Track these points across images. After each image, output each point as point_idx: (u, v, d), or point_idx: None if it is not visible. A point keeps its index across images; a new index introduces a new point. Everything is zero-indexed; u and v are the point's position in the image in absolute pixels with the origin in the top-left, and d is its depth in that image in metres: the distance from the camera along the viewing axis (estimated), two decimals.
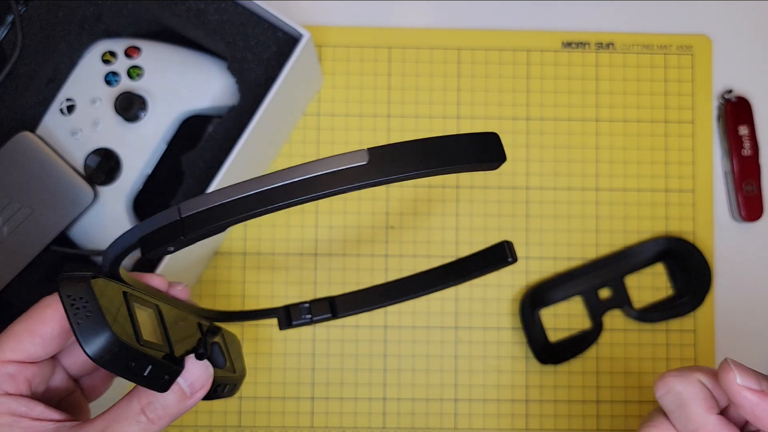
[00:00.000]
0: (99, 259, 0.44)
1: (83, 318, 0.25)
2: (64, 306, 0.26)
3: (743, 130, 0.52)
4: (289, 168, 0.23)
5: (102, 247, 0.44)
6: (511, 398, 0.51)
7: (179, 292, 0.34)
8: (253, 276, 0.51)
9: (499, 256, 0.36)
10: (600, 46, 0.53)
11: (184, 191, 0.43)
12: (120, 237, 0.26)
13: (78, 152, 0.43)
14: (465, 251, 0.51)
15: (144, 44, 0.44)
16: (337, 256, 0.51)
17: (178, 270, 0.44)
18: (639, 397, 0.51)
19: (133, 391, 0.29)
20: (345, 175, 0.23)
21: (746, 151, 0.51)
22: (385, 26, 0.53)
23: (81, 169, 0.43)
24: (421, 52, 0.53)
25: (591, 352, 0.51)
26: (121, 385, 0.37)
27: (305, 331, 0.51)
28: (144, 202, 0.45)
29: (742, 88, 0.53)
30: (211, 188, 0.41)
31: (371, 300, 0.39)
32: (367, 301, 0.39)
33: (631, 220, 0.52)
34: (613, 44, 0.53)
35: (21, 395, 0.29)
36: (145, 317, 0.29)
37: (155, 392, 0.28)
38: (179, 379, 0.29)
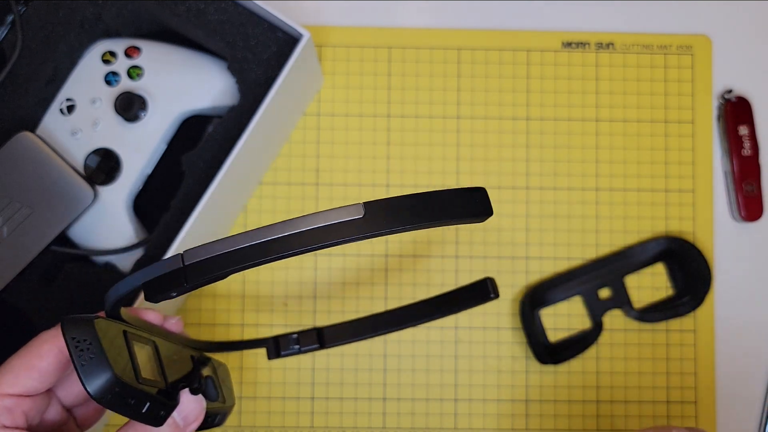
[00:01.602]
0: (99, 259, 0.44)
1: (87, 360, 0.26)
2: (68, 347, 0.27)
3: (743, 130, 0.52)
4: (290, 220, 0.24)
5: (102, 247, 0.44)
6: (511, 398, 0.51)
7: (173, 325, 0.36)
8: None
9: (482, 292, 0.39)
10: (600, 46, 0.53)
11: (184, 191, 0.43)
12: (123, 281, 0.27)
13: (78, 152, 0.43)
14: (465, 252, 0.51)
15: (144, 44, 0.44)
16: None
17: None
18: (639, 397, 0.51)
19: (128, 424, 0.30)
20: (342, 228, 0.24)
21: (746, 151, 0.51)
22: (385, 26, 0.53)
23: (81, 169, 0.43)
24: (421, 52, 0.53)
25: (591, 352, 0.51)
26: (112, 415, 0.38)
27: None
28: (144, 202, 0.45)
29: (742, 88, 0.53)
30: (211, 188, 0.41)
31: (357, 331, 0.42)
32: (353, 332, 0.42)
33: (631, 220, 0.52)
34: (613, 44, 0.53)
35: (17, 428, 0.30)
36: (143, 354, 0.30)
37: (151, 427, 0.29)
38: (174, 413, 0.30)
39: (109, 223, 0.43)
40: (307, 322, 0.51)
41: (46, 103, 0.43)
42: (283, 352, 0.41)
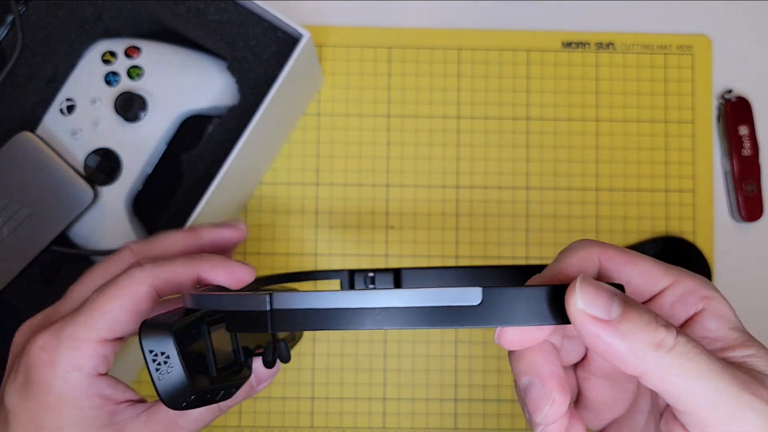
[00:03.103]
0: (99, 259, 0.44)
1: (164, 374, 0.26)
2: (145, 359, 0.26)
3: (743, 130, 0.52)
4: (397, 290, 0.22)
5: (102, 247, 0.44)
6: (511, 398, 0.51)
7: (241, 230, 0.35)
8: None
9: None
10: (600, 46, 0.53)
11: (184, 191, 0.43)
12: (213, 296, 0.26)
13: (78, 152, 0.43)
14: (465, 252, 0.51)
15: (144, 44, 0.44)
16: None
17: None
18: None
19: None
20: (453, 313, 0.22)
21: (746, 151, 0.51)
22: (385, 26, 0.53)
23: (81, 169, 0.43)
24: (421, 52, 0.53)
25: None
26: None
27: (305, 331, 0.51)
28: (144, 202, 0.45)
29: (742, 88, 0.53)
30: (211, 188, 0.41)
31: (438, 278, 0.38)
32: (434, 279, 0.38)
33: (631, 220, 0.52)
34: (613, 44, 0.53)
35: (107, 375, 0.29)
36: (218, 335, 0.28)
37: None
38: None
39: (109, 223, 0.43)
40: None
41: (46, 103, 0.43)
42: (357, 288, 0.38)
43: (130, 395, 0.30)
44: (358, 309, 0.22)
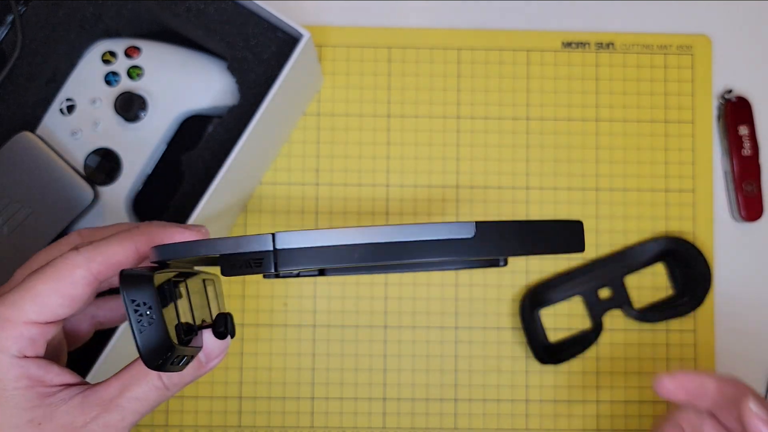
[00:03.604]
0: None
1: (146, 326, 0.25)
2: (126, 309, 0.25)
3: (743, 130, 0.52)
4: (396, 226, 0.23)
5: None
6: (511, 398, 0.51)
7: (203, 234, 0.34)
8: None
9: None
10: (600, 46, 0.53)
11: (184, 191, 0.43)
12: (191, 243, 0.26)
13: (78, 152, 0.43)
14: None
15: (144, 44, 0.44)
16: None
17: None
18: (639, 397, 0.51)
19: (133, 366, 0.29)
20: (449, 245, 0.23)
21: (746, 151, 0.51)
22: (385, 26, 0.53)
23: (81, 169, 0.43)
24: (421, 52, 0.53)
25: (591, 352, 0.51)
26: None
27: (305, 331, 0.51)
28: (144, 202, 0.45)
29: (742, 88, 0.53)
30: (211, 188, 0.41)
31: (362, 266, 0.39)
32: (358, 266, 0.39)
33: (631, 220, 0.52)
34: (613, 44, 0.53)
35: (38, 357, 0.28)
36: (182, 301, 0.28)
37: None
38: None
39: (109, 223, 0.43)
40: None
41: (46, 103, 0.43)
42: (282, 275, 0.39)
43: (67, 378, 0.28)
44: (360, 245, 0.23)
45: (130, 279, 0.26)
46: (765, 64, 0.53)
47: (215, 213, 0.45)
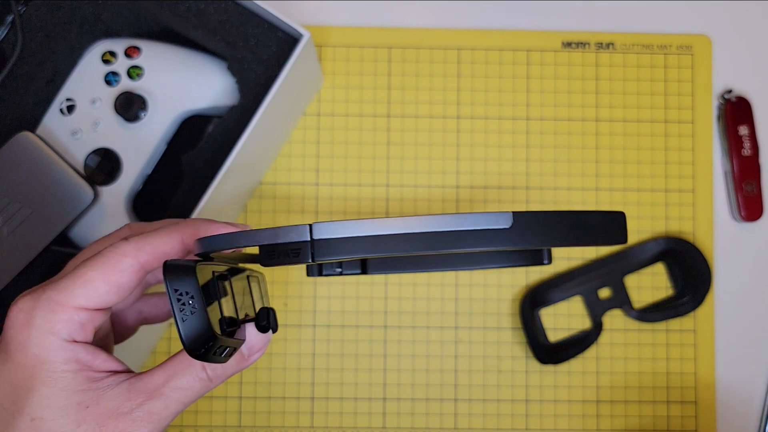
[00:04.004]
0: None
1: (188, 315, 0.26)
2: (170, 298, 0.26)
3: (743, 130, 0.52)
4: (434, 216, 0.23)
5: None
6: (511, 398, 0.51)
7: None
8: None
9: (536, 256, 0.37)
10: (600, 46, 0.53)
11: (184, 191, 0.43)
12: (233, 234, 0.26)
13: (78, 152, 0.43)
14: None
15: (144, 44, 0.44)
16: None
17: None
18: (639, 397, 0.51)
19: (179, 355, 0.29)
20: (487, 236, 0.23)
21: (746, 151, 0.51)
22: (385, 26, 0.53)
23: (81, 169, 0.43)
24: (421, 52, 0.53)
25: (591, 352, 0.51)
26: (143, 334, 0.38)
27: (305, 331, 0.51)
28: (144, 202, 0.45)
29: (742, 88, 0.53)
30: (211, 188, 0.41)
31: (405, 264, 0.39)
32: (400, 264, 0.39)
33: (631, 220, 0.52)
34: (613, 44, 0.53)
35: (87, 343, 0.29)
36: (223, 290, 0.29)
37: None
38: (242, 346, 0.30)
39: (109, 223, 0.43)
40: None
41: (46, 103, 0.43)
42: (325, 272, 0.39)
43: (114, 365, 0.29)
44: (395, 235, 0.23)
45: (173, 269, 0.26)
46: (765, 64, 0.54)
47: (215, 213, 0.45)
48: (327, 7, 0.53)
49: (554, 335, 0.51)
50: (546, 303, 0.51)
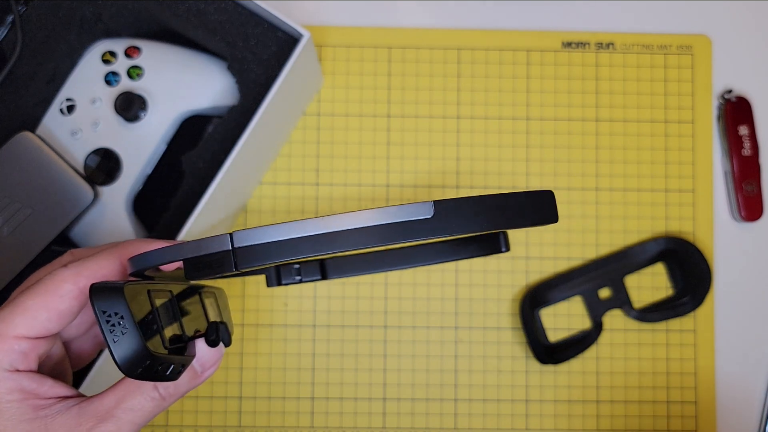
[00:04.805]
0: None
1: (119, 335, 0.25)
2: (98, 321, 0.25)
3: (743, 130, 0.52)
4: (353, 213, 0.23)
5: None
6: (511, 398, 0.51)
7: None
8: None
9: (494, 244, 0.37)
10: (600, 46, 0.53)
11: (184, 191, 0.43)
12: (159, 251, 0.26)
13: (78, 152, 0.43)
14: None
15: (144, 44, 0.44)
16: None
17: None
18: (639, 397, 0.51)
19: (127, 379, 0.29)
20: (410, 227, 0.22)
21: (746, 151, 0.51)
22: (385, 26, 0.53)
23: (81, 169, 0.43)
24: (421, 52, 0.53)
25: (591, 352, 0.51)
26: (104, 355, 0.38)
27: (305, 331, 0.51)
28: (144, 202, 0.45)
29: (742, 88, 0.53)
30: (211, 188, 0.41)
31: (362, 265, 0.39)
32: (358, 266, 0.39)
33: (631, 220, 0.52)
34: (613, 44, 0.53)
35: (31, 371, 0.29)
36: (163, 309, 0.29)
37: None
38: (193, 362, 0.29)
39: (109, 223, 0.43)
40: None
41: (46, 103, 0.43)
42: (284, 281, 0.39)
43: (62, 391, 0.29)
44: (318, 236, 0.23)
45: (99, 291, 0.26)
46: (765, 64, 0.54)
47: (215, 213, 0.45)
48: (327, 7, 0.53)
49: (554, 335, 0.51)
50: (546, 303, 0.51)
